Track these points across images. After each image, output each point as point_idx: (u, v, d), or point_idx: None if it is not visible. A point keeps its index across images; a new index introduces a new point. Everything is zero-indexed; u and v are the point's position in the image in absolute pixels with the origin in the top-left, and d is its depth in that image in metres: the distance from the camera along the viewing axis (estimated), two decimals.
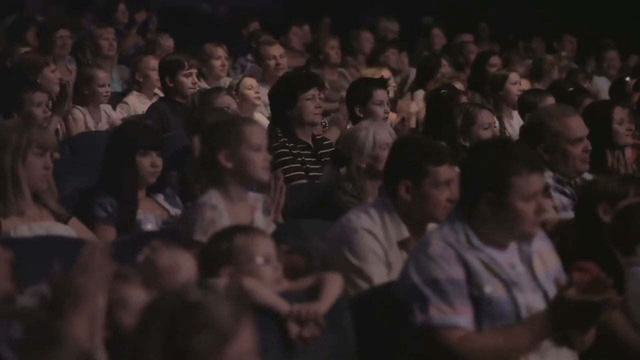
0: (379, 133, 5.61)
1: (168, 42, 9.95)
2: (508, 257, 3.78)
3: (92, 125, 7.68)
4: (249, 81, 7.98)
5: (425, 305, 3.68)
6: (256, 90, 7.89)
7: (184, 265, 3.76)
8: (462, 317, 3.66)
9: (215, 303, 2.65)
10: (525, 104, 7.69)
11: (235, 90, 7.71)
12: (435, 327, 3.65)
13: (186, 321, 2.63)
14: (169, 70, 7.86)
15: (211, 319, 2.63)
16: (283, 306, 3.89)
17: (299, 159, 6.44)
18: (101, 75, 7.78)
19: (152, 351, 2.63)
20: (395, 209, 4.39)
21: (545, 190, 4.78)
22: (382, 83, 7.30)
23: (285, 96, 6.62)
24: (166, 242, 3.82)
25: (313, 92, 6.58)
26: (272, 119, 6.76)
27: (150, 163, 5.28)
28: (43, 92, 6.83)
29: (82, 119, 7.62)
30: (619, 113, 6.35)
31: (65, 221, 4.93)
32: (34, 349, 2.45)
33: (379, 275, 4.32)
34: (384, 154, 5.48)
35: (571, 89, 7.50)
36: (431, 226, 4.36)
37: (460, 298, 3.66)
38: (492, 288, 3.70)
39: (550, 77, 10.10)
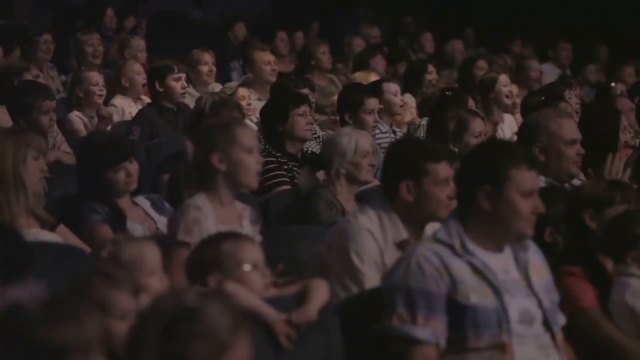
0: (361, 140, 5.75)
1: (139, 43, 9.87)
2: (502, 262, 3.80)
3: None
4: (242, 92, 8.02)
5: (391, 310, 3.72)
6: (248, 102, 7.92)
7: (148, 256, 3.76)
8: (421, 330, 3.67)
9: (215, 311, 2.64)
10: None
11: None
12: (394, 335, 3.69)
13: (184, 327, 2.61)
14: (158, 74, 7.85)
15: (210, 328, 2.61)
16: (269, 312, 3.90)
17: (285, 166, 6.44)
18: (92, 75, 7.80)
19: (147, 355, 2.62)
20: (393, 210, 4.34)
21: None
22: (375, 91, 7.30)
23: (277, 112, 6.64)
24: (128, 236, 3.79)
25: (304, 108, 6.63)
26: (263, 134, 6.72)
27: (124, 175, 5.17)
28: (52, 100, 6.70)
29: (82, 128, 7.58)
30: (624, 121, 6.42)
31: (51, 228, 4.91)
32: (60, 311, 2.39)
33: (371, 279, 4.29)
34: (364, 161, 5.68)
35: (543, 97, 7.49)
36: (430, 226, 4.36)
37: (426, 311, 3.68)
38: (478, 297, 3.71)
39: (540, 82, 10.11)
